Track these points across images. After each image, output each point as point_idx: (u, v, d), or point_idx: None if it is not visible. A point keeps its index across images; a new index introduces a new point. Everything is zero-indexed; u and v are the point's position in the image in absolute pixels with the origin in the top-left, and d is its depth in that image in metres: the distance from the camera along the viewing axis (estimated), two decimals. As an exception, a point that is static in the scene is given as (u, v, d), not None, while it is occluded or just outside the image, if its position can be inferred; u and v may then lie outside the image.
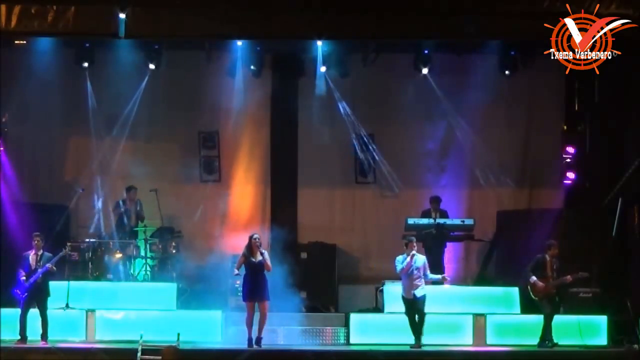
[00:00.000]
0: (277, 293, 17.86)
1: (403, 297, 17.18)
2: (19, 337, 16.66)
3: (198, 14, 17.46)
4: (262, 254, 16.81)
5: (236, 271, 16.91)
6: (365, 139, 20.90)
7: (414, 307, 17.03)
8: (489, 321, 18.05)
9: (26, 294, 16.78)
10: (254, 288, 16.74)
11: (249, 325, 16.77)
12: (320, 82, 20.13)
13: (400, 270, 17.08)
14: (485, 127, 20.99)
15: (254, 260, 16.78)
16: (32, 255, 16.98)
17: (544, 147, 21.08)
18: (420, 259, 17.18)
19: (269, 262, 16.84)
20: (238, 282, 18.15)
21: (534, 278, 17.33)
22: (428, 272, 17.26)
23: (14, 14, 17.14)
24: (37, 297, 16.84)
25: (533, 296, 17.41)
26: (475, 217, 20.01)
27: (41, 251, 17.00)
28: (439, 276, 17.51)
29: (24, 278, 16.82)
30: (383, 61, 20.65)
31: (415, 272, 17.01)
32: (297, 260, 18.97)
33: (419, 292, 17.03)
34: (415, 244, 17.23)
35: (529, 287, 17.44)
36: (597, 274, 17.89)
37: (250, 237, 16.92)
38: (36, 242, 16.99)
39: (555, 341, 17.23)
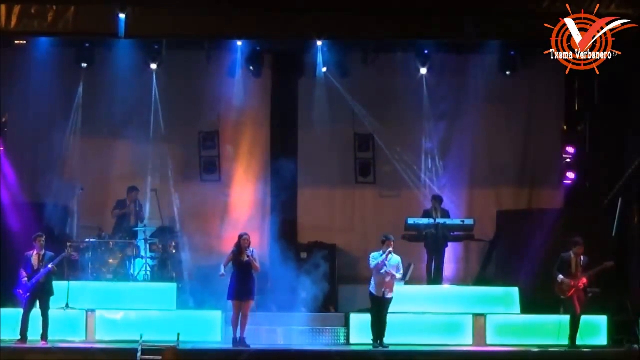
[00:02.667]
0: (277, 293, 17.86)
1: (372, 294, 17.09)
2: (19, 337, 16.64)
3: (198, 14, 17.49)
4: (250, 254, 16.76)
5: (222, 270, 16.74)
6: (365, 138, 20.90)
7: (382, 307, 17.00)
8: (489, 321, 18.05)
9: (28, 293, 16.78)
10: (240, 288, 16.69)
11: (235, 324, 16.74)
12: (320, 77, 20.13)
13: (374, 266, 17.02)
14: (485, 127, 20.98)
15: (241, 259, 16.75)
16: (34, 256, 16.96)
17: (544, 147, 21.06)
18: (395, 259, 17.11)
19: (256, 263, 16.78)
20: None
21: (561, 277, 17.18)
22: (401, 271, 17.22)
23: (14, 14, 17.18)
24: (40, 296, 16.82)
25: (561, 296, 17.21)
26: (475, 217, 19.98)
27: (43, 251, 17.00)
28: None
29: (26, 278, 16.81)
30: (383, 61, 20.66)
31: (388, 271, 16.96)
32: (297, 260, 18.94)
33: (389, 293, 17.01)
34: (392, 243, 17.14)
35: (556, 288, 17.26)
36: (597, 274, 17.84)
37: (240, 236, 16.91)
38: (39, 242, 16.99)
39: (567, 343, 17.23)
